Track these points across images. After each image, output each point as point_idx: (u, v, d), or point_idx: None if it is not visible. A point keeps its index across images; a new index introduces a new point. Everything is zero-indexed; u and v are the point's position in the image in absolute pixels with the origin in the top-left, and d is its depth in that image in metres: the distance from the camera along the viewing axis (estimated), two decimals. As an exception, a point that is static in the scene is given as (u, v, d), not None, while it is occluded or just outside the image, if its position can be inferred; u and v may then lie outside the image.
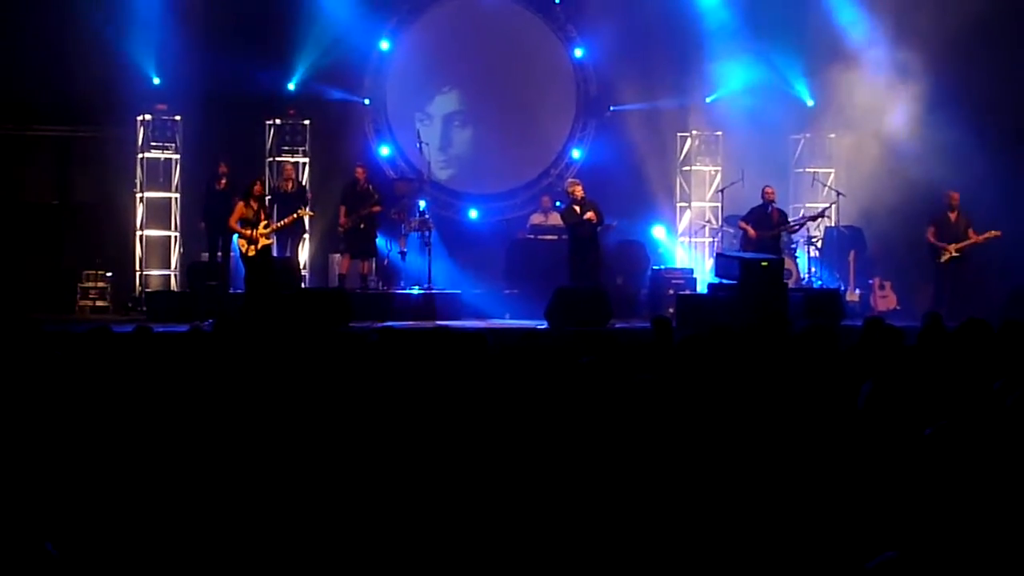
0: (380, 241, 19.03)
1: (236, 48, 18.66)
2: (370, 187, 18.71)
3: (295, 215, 17.77)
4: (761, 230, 18.25)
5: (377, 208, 18.52)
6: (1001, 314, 13.93)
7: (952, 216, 18.05)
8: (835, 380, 7.10)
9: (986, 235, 17.88)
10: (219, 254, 18.04)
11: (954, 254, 17.85)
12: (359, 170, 18.76)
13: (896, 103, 19.63)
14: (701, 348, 8.13)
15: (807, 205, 20.50)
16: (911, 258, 19.28)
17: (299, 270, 18.82)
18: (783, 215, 18.74)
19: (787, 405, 5.47)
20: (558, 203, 19.59)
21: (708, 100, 20.96)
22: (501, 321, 17.48)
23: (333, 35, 19.63)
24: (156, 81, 19.05)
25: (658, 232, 20.59)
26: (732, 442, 6.19)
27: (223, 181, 18.10)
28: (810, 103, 20.90)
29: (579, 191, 17.46)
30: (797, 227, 19.01)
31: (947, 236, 17.97)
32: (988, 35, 18.73)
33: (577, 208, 17.33)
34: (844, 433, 6.35)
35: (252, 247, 16.51)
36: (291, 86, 19.83)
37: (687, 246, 20.82)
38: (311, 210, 18.55)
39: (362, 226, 18.49)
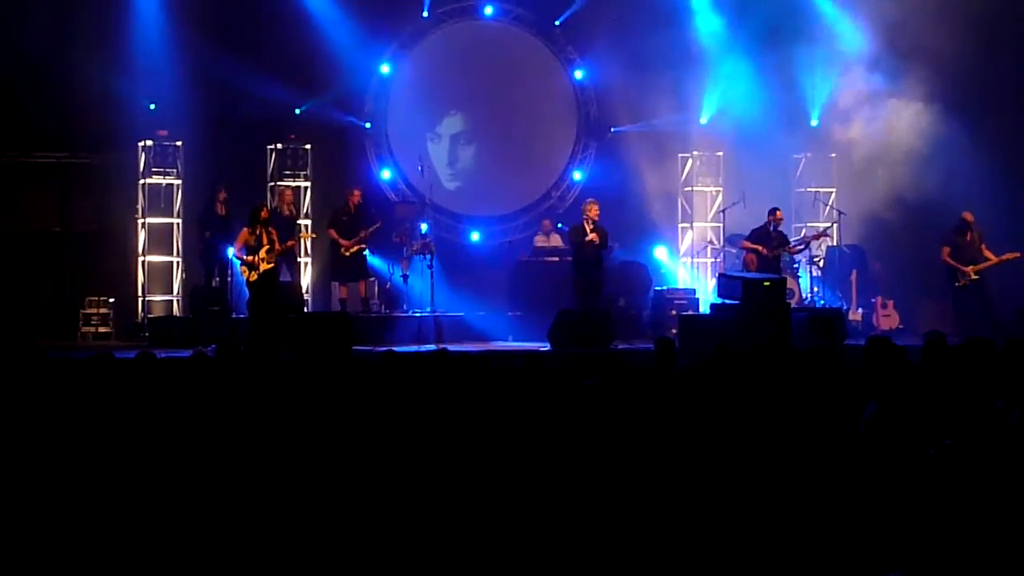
0: (382, 264, 19.06)
1: (237, 73, 18.69)
2: (366, 208, 18.73)
3: (296, 240, 17.81)
4: (765, 249, 18.25)
5: (375, 229, 18.51)
6: (1005, 333, 13.96)
7: (967, 236, 17.91)
8: (839, 400, 7.10)
9: (1005, 256, 17.71)
10: (216, 279, 18.07)
11: (973, 277, 17.71)
12: (355, 194, 18.71)
13: (898, 122, 19.63)
14: (701, 376, 8.14)
15: (809, 224, 20.51)
16: (914, 277, 19.27)
17: (301, 295, 18.82)
18: (784, 236, 18.74)
19: (791, 425, 5.47)
20: (560, 224, 19.61)
21: (704, 122, 20.98)
22: (504, 343, 17.47)
23: (334, 59, 19.67)
24: (155, 107, 19.06)
25: (660, 253, 20.60)
26: (736, 463, 6.19)
27: (222, 207, 18.15)
28: (814, 123, 20.92)
29: (594, 212, 17.42)
30: (799, 248, 19.00)
31: (963, 257, 17.78)
32: (992, 54, 18.71)
33: (588, 227, 17.30)
34: (849, 452, 6.35)
35: (254, 272, 16.52)
36: (297, 111, 19.84)
37: (689, 266, 20.82)
38: (312, 231, 18.56)
39: (363, 247, 18.53)
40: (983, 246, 17.82)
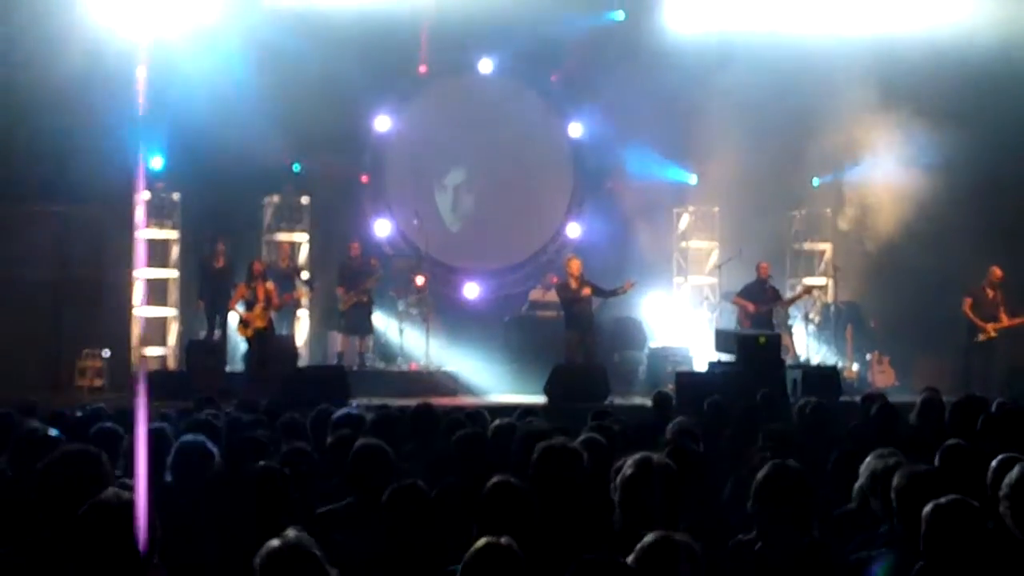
0: (378, 317, 19.10)
1: (235, 126, 18.72)
2: (370, 261, 18.85)
3: (291, 296, 17.87)
4: (756, 305, 18.29)
5: (375, 282, 18.63)
6: (999, 392, 13.96)
7: (990, 293, 17.89)
8: (835, 455, 7.08)
9: (1019, 319, 17.72)
10: (216, 332, 18.06)
11: (992, 334, 17.69)
12: (354, 245, 18.89)
13: (896, 178, 19.66)
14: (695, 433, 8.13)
15: (804, 280, 20.54)
16: (910, 333, 19.26)
17: (296, 348, 18.80)
18: (776, 292, 18.78)
19: (788, 480, 5.44)
20: (556, 279, 19.67)
21: (697, 180, 21.06)
22: (499, 397, 17.45)
23: (331, 113, 19.72)
24: (155, 159, 19.10)
25: (656, 308, 20.58)
26: (735, 519, 6.15)
27: (220, 259, 18.17)
28: (815, 183, 20.99)
29: (575, 267, 17.51)
30: (789, 303, 19.02)
31: (982, 313, 17.81)
32: (989, 109, 18.75)
33: (573, 284, 17.37)
34: (843, 507, 6.33)
35: (248, 329, 16.56)
36: (294, 165, 19.91)
37: (685, 322, 20.81)
38: (309, 288, 18.59)
39: (364, 300, 18.60)
40: (1003, 306, 17.80)
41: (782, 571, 5.24)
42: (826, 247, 21.06)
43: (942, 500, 4.88)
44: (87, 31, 17.78)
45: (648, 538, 4.39)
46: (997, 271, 17.87)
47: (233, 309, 16.95)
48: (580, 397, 15.59)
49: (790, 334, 19.21)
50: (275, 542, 4.21)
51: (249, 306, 16.67)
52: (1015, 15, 18.39)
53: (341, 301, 18.72)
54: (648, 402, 13.28)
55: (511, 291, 20.85)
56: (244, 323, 16.57)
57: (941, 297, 18.55)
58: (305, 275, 18.91)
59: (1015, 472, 5.18)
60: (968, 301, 17.84)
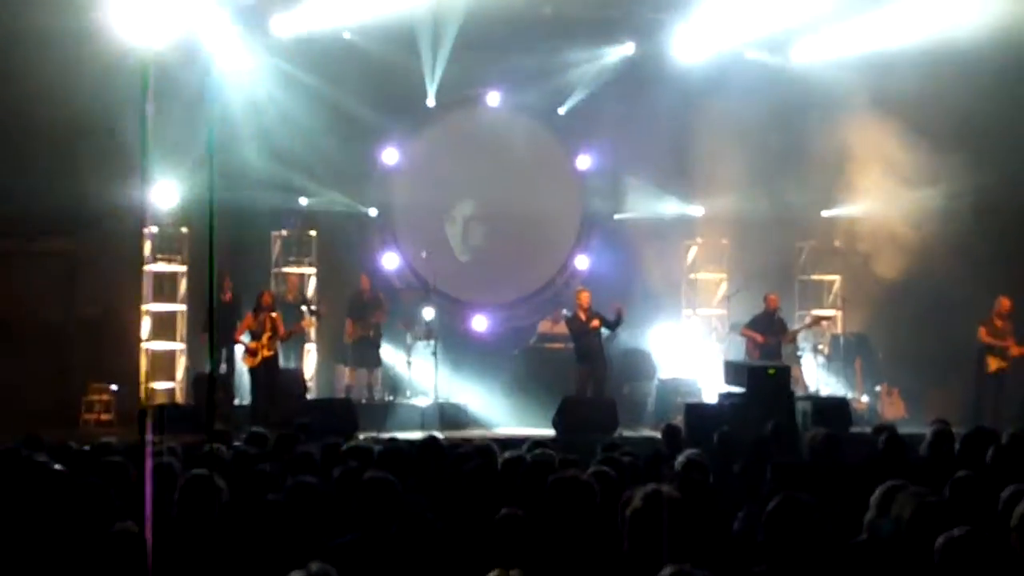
0: (386, 350, 19.10)
1: (244, 160, 18.79)
2: (378, 295, 18.92)
3: (297, 327, 17.89)
4: (764, 337, 18.28)
5: (383, 317, 18.72)
6: (1009, 424, 13.87)
7: (999, 323, 17.87)
8: (845, 488, 7.05)
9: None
10: (223, 366, 18.04)
11: (1002, 364, 17.65)
12: (364, 279, 19.00)
13: (905, 210, 19.63)
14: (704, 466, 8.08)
15: (812, 312, 20.51)
16: (919, 365, 19.20)
17: (304, 381, 18.79)
18: (784, 323, 18.75)
19: (799, 512, 5.40)
20: (565, 312, 19.65)
21: (705, 212, 21.08)
22: (507, 429, 17.41)
23: (339, 146, 19.78)
24: (163, 193, 19.14)
25: (664, 340, 20.54)
26: (746, 551, 6.12)
27: (228, 293, 18.18)
28: (823, 214, 20.98)
29: (585, 299, 17.54)
30: (796, 332, 18.97)
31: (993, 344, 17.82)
32: (997, 136, 18.70)
33: (583, 316, 17.42)
34: (856, 541, 6.28)
35: (254, 359, 16.56)
36: (302, 199, 19.95)
37: (694, 354, 20.76)
38: (315, 317, 18.60)
39: (371, 334, 18.64)
40: (1011, 337, 17.77)
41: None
42: (835, 278, 21.03)
43: (955, 532, 4.85)
44: (96, 65, 17.84)
45: (665, 571, 4.36)
46: (1006, 302, 17.84)
47: (239, 340, 16.95)
48: (589, 429, 15.57)
49: (799, 366, 19.16)
50: (298, 574, 4.20)
51: (255, 336, 16.67)
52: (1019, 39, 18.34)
53: (347, 333, 18.81)
54: (657, 434, 13.23)
55: (519, 323, 20.83)
56: (251, 352, 16.57)
57: (950, 329, 18.50)
58: (313, 307, 18.91)
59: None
60: (983, 331, 17.84)
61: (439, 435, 10.67)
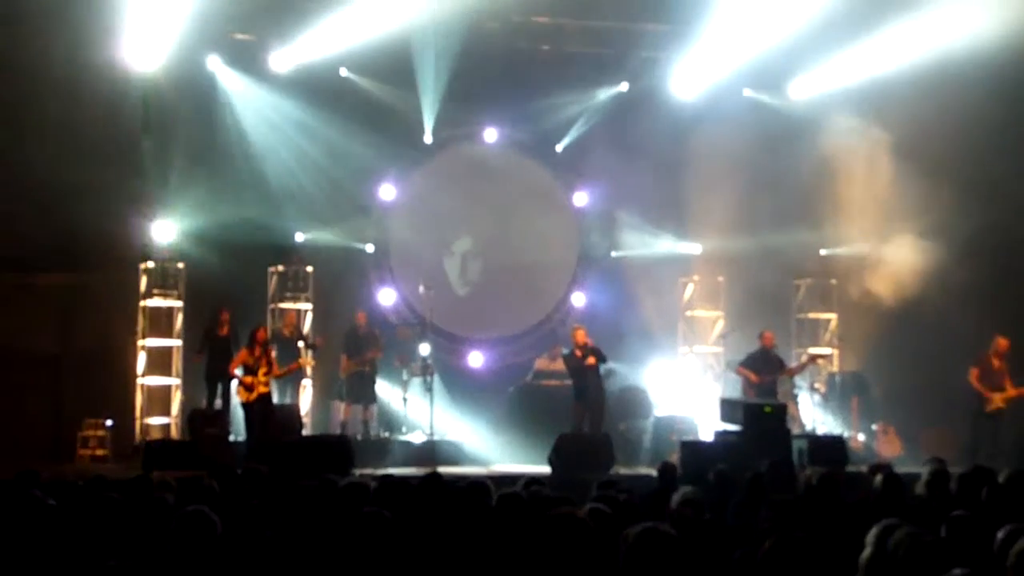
0: (382, 386, 19.08)
1: (239, 196, 18.85)
2: (374, 331, 18.91)
3: (295, 364, 17.87)
4: (760, 375, 18.27)
5: (378, 353, 18.71)
6: (1006, 463, 13.84)
7: (996, 363, 17.81)
8: (842, 527, 7.03)
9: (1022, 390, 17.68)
10: (219, 401, 18.02)
11: (1000, 404, 17.62)
12: (360, 315, 18.99)
13: (901, 250, 19.65)
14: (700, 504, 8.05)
15: (809, 350, 20.50)
16: (915, 403, 19.18)
17: (300, 417, 18.74)
18: (781, 361, 18.75)
19: (795, 551, 5.39)
20: (563, 349, 19.64)
21: (702, 250, 21.11)
22: (503, 466, 17.38)
23: (336, 182, 19.83)
24: (159, 228, 19.17)
25: (660, 377, 20.53)
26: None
27: (225, 328, 18.16)
28: (819, 252, 21.01)
29: (581, 336, 17.56)
30: (794, 372, 18.96)
31: (989, 383, 17.73)
32: (996, 172, 18.71)
33: (579, 353, 17.43)
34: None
35: (249, 394, 16.53)
36: (299, 235, 19.97)
37: (690, 391, 20.74)
38: (313, 351, 18.59)
39: (367, 369, 18.63)
40: (1008, 377, 17.73)
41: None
42: (831, 317, 21.05)
43: (956, 571, 4.83)
44: (96, 101, 17.91)
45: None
46: (1002, 341, 17.79)
47: (233, 374, 16.93)
48: (584, 467, 15.53)
49: (796, 403, 19.14)
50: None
51: (250, 371, 16.63)
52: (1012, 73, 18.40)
53: (341, 368, 18.81)
54: (653, 472, 13.21)
55: (515, 360, 20.82)
56: (246, 387, 16.54)
57: (946, 367, 18.45)
58: (310, 341, 18.90)
59: (1022, 543, 5.13)
60: (975, 372, 17.74)
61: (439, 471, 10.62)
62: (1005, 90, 18.34)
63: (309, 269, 20.12)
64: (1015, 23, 17.34)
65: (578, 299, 21.48)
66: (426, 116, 20.33)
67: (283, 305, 19.96)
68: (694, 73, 20.57)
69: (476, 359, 20.99)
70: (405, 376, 18.91)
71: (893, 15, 18.63)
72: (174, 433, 18.99)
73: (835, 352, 20.71)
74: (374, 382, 18.91)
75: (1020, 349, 17.97)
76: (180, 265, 19.22)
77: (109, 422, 18.48)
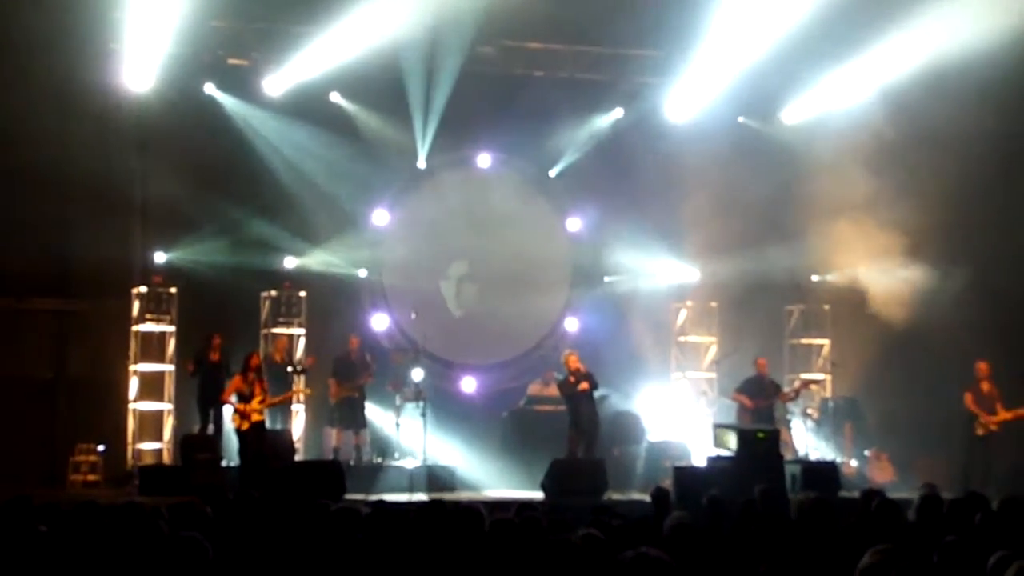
0: (375, 412, 19.05)
1: (234, 221, 18.87)
2: (365, 356, 18.86)
3: (291, 393, 17.85)
4: (755, 401, 18.28)
5: (370, 378, 18.66)
6: (998, 489, 13.84)
7: (985, 387, 17.85)
8: (834, 553, 7.02)
9: (1015, 412, 17.64)
10: (211, 426, 17.98)
11: (992, 428, 17.64)
12: (353, 340, 18.94)
13: (894, 275, 19.67)
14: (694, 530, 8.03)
15: (802, 376, 20.51)
16: (908, 429, 19.17)
17: (292, 443, 18.69)
18: (776, 386, 18.75)
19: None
20: (557, 375, 19.64)
21: (697, 276, 21.12)
22: (496, 492, 17.35)
23: (329, 207, 19.85)
24: (152, 253, 19.17)
25: (654, 403, 20.52)
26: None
27: (216, 353, 18.14)
28: (812, 278, 21.03)
29: (573, 362, 17.55)
30: (788, 397, 18.97)
31: (980, 407, 17.78)
32: (989, 200, 18.73)
33: (572, 379, 17.42)
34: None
35: (245, 421, 16.48)
36: (291, 260, 19.96)
37: (683, 417, 20.72)
38: (306, 387, 18.60)
39: (356, 395, 18.60)
40: (998, 401, 17.75)
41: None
42: (824, 342, 21.06)
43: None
44: (89, 127, 17.92)
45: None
46: (982, 366, 17.88)
47: (227, 400, 16.88)
48: (578, 492, 15.53)
49: (789, 429, 19.14)
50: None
51: (243, 398, 16.57)
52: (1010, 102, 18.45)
53: (331, 394, 18.74)
54: (646, 497, 13.18)
55: (509, 385, 20.80)
56: (241, 415, 16.49)
57: (940, 393, 18.47)
58: (299, 366, 18.89)
59: (1013, 570, 5.13)
60: (969, 396, 17.79)
61: (440, 497, 10.61)
62: (1003, 126, 18.43)
63: (302, 294, 20.08)
64: (1000, 42, 17.39)
65: (571, 324, 21.47)
66: (419, 141, 20.38)
67: (276, 330, 19.92)
68: (688, 99, 20.61)
69: (469, 384, 20.97)
70: (398, 401, 18.86)
71: (883, 32, 18.68)
72: (166, 458, 18.92)
73: (828, 378, 20.71)
74: (363, 407, 18.85)
75: (1015, 373, 18.00)
76: (172, 290, 19.19)
77: (101, 447, 18.41)
